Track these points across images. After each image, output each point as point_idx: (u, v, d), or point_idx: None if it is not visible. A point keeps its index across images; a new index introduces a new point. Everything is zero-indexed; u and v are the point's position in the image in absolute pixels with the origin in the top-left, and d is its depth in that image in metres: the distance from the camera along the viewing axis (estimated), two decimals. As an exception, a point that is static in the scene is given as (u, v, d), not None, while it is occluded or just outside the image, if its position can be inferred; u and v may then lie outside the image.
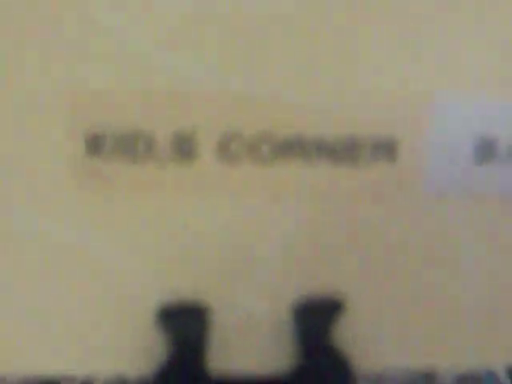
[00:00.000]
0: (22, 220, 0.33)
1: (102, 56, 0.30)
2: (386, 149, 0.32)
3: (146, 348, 0.35)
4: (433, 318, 0.35)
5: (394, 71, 0.31)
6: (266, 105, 0.31)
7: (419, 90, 0.32)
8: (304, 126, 0.31)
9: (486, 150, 0.32)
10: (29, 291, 0.34)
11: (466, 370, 0.42)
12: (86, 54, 0.30)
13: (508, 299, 0.35)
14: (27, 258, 0.33)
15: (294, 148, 0.32)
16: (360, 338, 0.36)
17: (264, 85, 0.31)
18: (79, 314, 0.34)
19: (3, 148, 0.32)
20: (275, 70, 0.31)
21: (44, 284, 0.33)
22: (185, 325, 0.34)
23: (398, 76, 0.31)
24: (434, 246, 0.34)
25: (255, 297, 0.34)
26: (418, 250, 0.34)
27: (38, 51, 0.30)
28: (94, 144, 0.31)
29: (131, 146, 0.31)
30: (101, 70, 0.30)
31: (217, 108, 0.31)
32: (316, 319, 0.35)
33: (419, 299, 0.35)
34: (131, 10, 0.30)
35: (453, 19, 0.31)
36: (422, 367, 0.38)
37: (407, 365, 0.37)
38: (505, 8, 0.31)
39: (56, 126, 0.31)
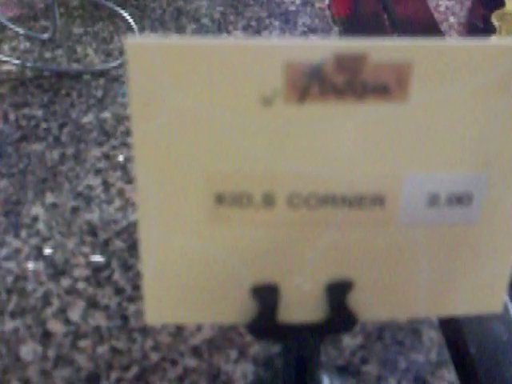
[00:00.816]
0: (178, 243, 0.38)
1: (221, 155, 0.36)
2: (379, 200, 0.37)
3: (244, 309, 0.39)
4: (399, 284, 0.40)
5: (387, 162, 0.37)
6: (315, 179, 0.36)
7: (395, 170, 0.36)
8: (334, 188, 0.37)
9: (434, 200, 0.37)
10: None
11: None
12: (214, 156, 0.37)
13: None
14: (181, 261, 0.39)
15: (328, 201, 0.37)
16: (359, 301, 0.40)
17: (312, 167, 0.37)
18: (206, 288, 0.39)
19: (170, 204, 0.37)
20: (318, 164, 0.37)
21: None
22: (265, 295, 0.39)
23: (389, 162, 0.37)
24: (406, 250, 0.39)
25: (305, 279, 0.39)
26: (397, 253, 0.39)
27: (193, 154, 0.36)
28: (219, 199, 0.37)
29: (240, 199, 0.37)
30: (218, 158, 0.36)
31: (286, 179, 0.37)
32: (338, 290, 0.40)
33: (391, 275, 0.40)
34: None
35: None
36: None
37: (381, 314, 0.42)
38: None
39: (197, 190, 0.36)
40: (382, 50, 0.34)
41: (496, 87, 0.35)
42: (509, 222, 0.39)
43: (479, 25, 0.83)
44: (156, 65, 0.33)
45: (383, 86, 0.34)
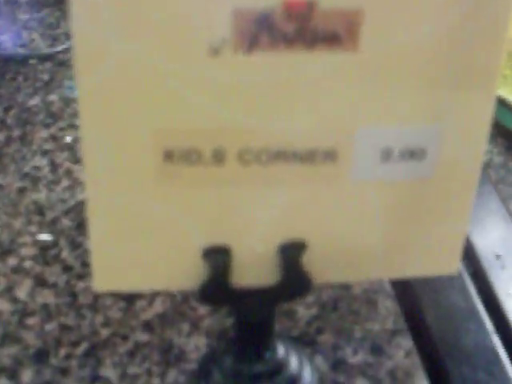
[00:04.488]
0: (125, 203, 0.37)
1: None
2: (331, 155, 0.36)
3: (195, 273, 0.38)
4: (353, 244, 0.39)
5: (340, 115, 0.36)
6: (265, 134, 0.35)
7: (346, 123, 0.36)
8: (286, 143, 0.36)
9: (386, 155, 0.37)
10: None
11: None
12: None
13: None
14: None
15: (280, 157, 0.36)
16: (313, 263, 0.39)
17: (262, 121, 0.37)
18: (155, 252, 0.38)
19: (116, 162, 0.36)
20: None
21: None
22: (216, 257, 0.38)
23: (341, 116, 0.36)
24: (360, 208, 0.38)
25: (258, 240, 0.38)
26: (351, 212, 0.38)
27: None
28: (167, 156, 0.35)
29: (189, 156, 0.35)
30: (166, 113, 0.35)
31: (236, 134, 0.36)
32: (291, 252, 0.38)
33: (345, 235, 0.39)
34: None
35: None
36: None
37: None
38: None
39: (144, 146, 0.35)
40: (332, -3, 0.33)
41: (449, 34, 0.34)
42: (465, 178, 0.38)
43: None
44: (101, 13, 0.32)
45: (333, 35, 0.34)
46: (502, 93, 0.67)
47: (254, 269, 0.39)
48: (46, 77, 0.71)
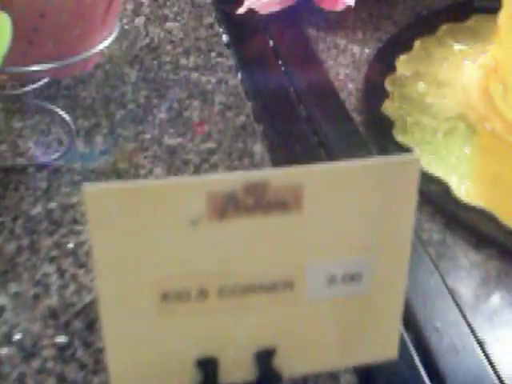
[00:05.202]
0: (133, 333, 0.49)
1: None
2: (289, 285, 0.47)
3: (190, 379, 0.50)
4: (313, 345, 0.51)
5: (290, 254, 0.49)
6: (237, 275, 0.47)
7: (298, 262, 0.48)
8: (253, 279, 0.48)
9: (332, 280, 0.49)
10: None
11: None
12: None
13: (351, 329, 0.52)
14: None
15: (250, 290, 0.49)
16: (283, 362, 0.51)
17: (234, 266, 0.48)
18: (158, 366, 0.50)
19: (125, 303, 0.48)
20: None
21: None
22: (207, 366, 0.49)
23: (293, 257, 0.49)
24: (315, 320, 0.50)
25: (237, 351, 0.51)
26: (309, 323, 0.51)
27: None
28: (163, 297, 0.48)
29: (180, 296, 0.47)
30: (161, 267, 0.47)
31: (215, 277, 0.48)
32: (264, 356, 0.51)
33: (306, 339, 0.51)
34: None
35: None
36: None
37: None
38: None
39: (146, 291, 0.47)
40: (279, 176, 0.44)
41: (372, 196, 0.46)
42: (395, 290, 0.50)
43: (376, 90, 0.93)
44: (109, 203, 0.44)
45: (283, 202, 0.45)
46: (439, 173, 0.77)
47: (236, 371, 0.50)
48: (43, 185, 0.81)
